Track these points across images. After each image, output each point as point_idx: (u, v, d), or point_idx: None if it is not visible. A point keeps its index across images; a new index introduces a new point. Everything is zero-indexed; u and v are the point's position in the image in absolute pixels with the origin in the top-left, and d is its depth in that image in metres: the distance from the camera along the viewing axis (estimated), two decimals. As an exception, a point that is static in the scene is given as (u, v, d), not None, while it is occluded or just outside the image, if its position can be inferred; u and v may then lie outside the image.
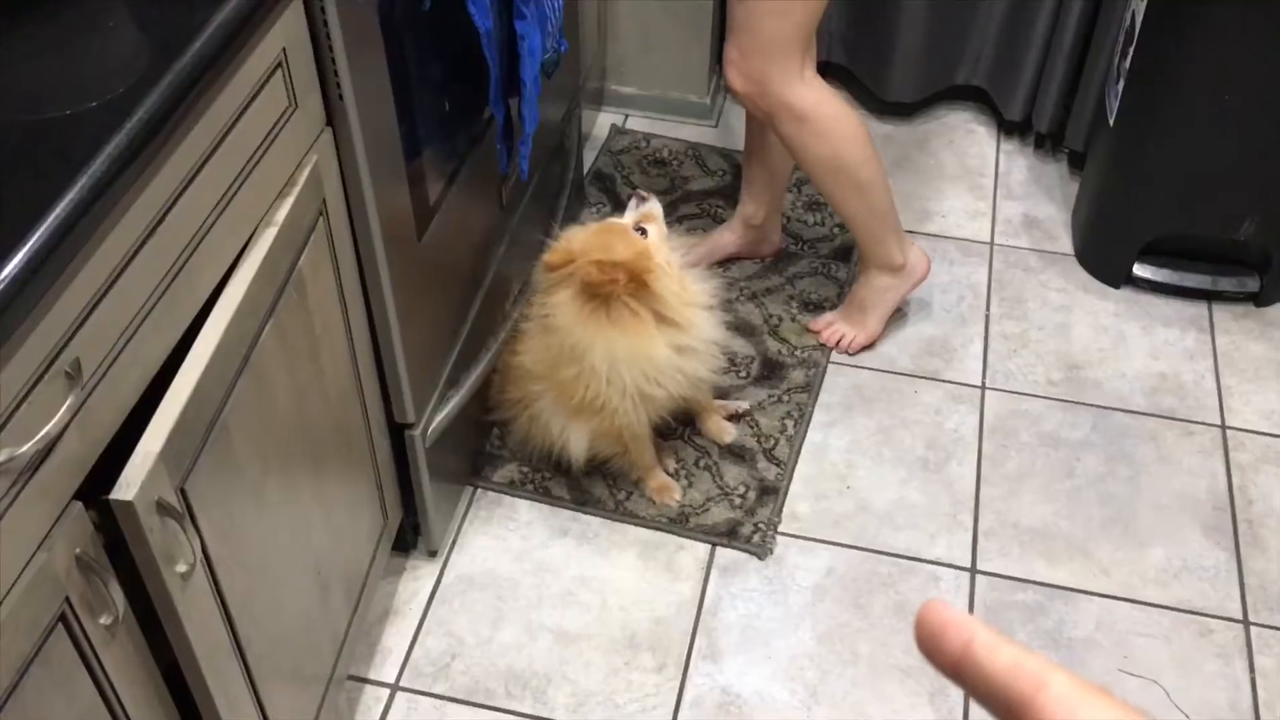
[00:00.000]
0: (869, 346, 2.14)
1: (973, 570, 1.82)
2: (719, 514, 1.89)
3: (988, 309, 2.24)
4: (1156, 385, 2.11)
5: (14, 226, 0.83)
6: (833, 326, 2.14)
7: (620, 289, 1.64)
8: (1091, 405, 2.07)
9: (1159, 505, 1.92)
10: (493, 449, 1.97)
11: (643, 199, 1.78)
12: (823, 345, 2.15)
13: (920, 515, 1.90)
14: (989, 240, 2.38)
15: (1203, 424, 2.05)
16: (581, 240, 1.70)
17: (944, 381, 2.11)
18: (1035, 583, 1.81)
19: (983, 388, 2.10)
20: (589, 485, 1.93)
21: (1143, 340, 2.19)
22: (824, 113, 1.85)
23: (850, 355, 2.13)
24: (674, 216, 2.39)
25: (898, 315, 2.20)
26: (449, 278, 1.71)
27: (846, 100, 1.97)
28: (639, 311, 1.66)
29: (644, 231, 1.73)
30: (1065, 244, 2.37)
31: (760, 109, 1.86)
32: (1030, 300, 2.26)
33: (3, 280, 0.80)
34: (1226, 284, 2.24)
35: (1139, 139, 2.13)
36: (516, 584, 1.80)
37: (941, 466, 1.97)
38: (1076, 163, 2.49)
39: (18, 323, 0.82)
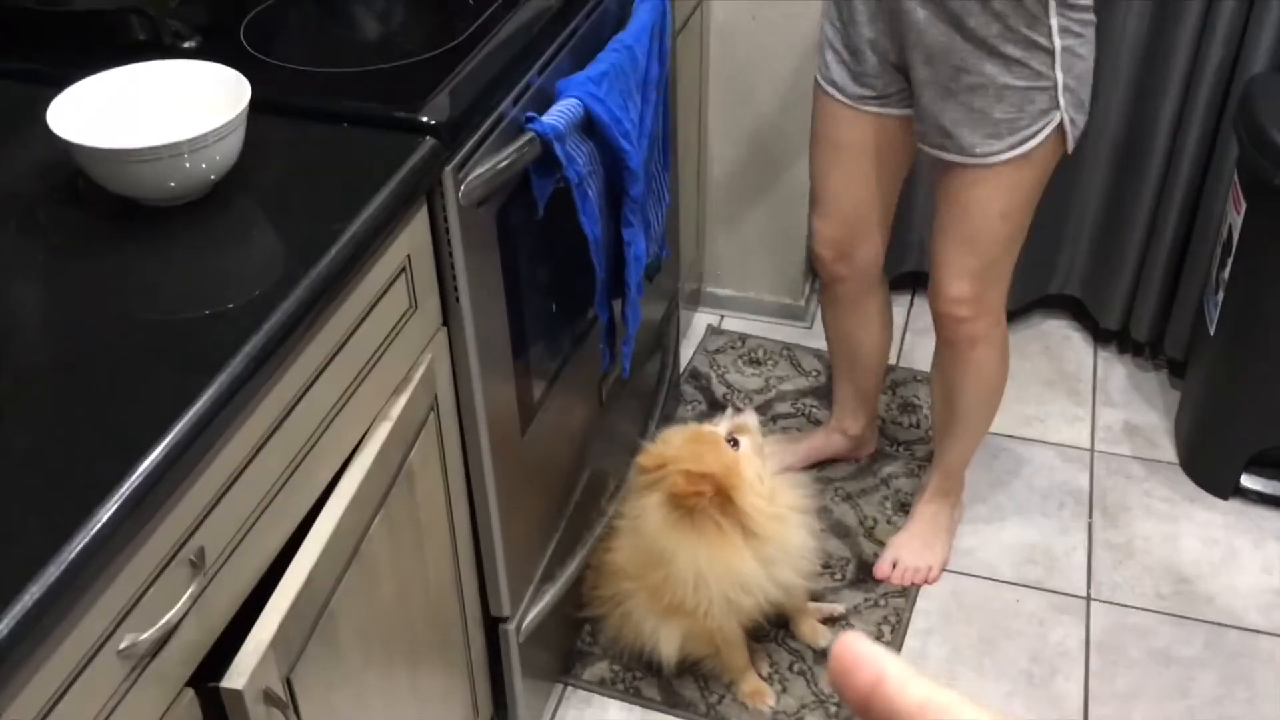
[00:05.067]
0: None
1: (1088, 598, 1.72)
2: (813, 719, 1.83)
3: (1090, 517, 2.19)
4: (1272, 602, 2.02)
5: (153, 421, 0.88)
6: (901, 565, 2.06)
7: (706, 502, 1.64)
8: (1204, 621, 1.99)
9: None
10: (584, 646, 1.95)
11: (738, 409, 1.79)
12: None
13: (1025, 732, 1.82)
14: (1089, 447, 2.34)
15: (1325, 645, 1.95)
16: (674, 446, 1.71)
17: (1047, 591, 2.05)
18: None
19: (1088, 599, 2.03)
20: (680, 687, 1.89)
21: (1255, 554, 2.11)
22: (1007, 345, 1.88)
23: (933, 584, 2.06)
24: (768, 416, 2.41)
25: (999, 520, 2.16)
26: (549, 473, 1.74)
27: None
28: (724, 525, 1.66)
29: (736, 443, 1.71)
30: (1169, 452, 2.33)
31: (963, 333, 1.83)
32: (1134, 509, 2.21)
33: (141, 474, 0.84)
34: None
35: (1241, 349, 2.11)
36: (604, 789, 1.75)
37: (1047, 682, 1.90)
38: (1177, 371, 2.47)
39: (151, 513, 0.86)
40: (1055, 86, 1.55)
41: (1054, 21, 1.51)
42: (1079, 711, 1.85)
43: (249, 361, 0.95)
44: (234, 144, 1.13)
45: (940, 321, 1.86)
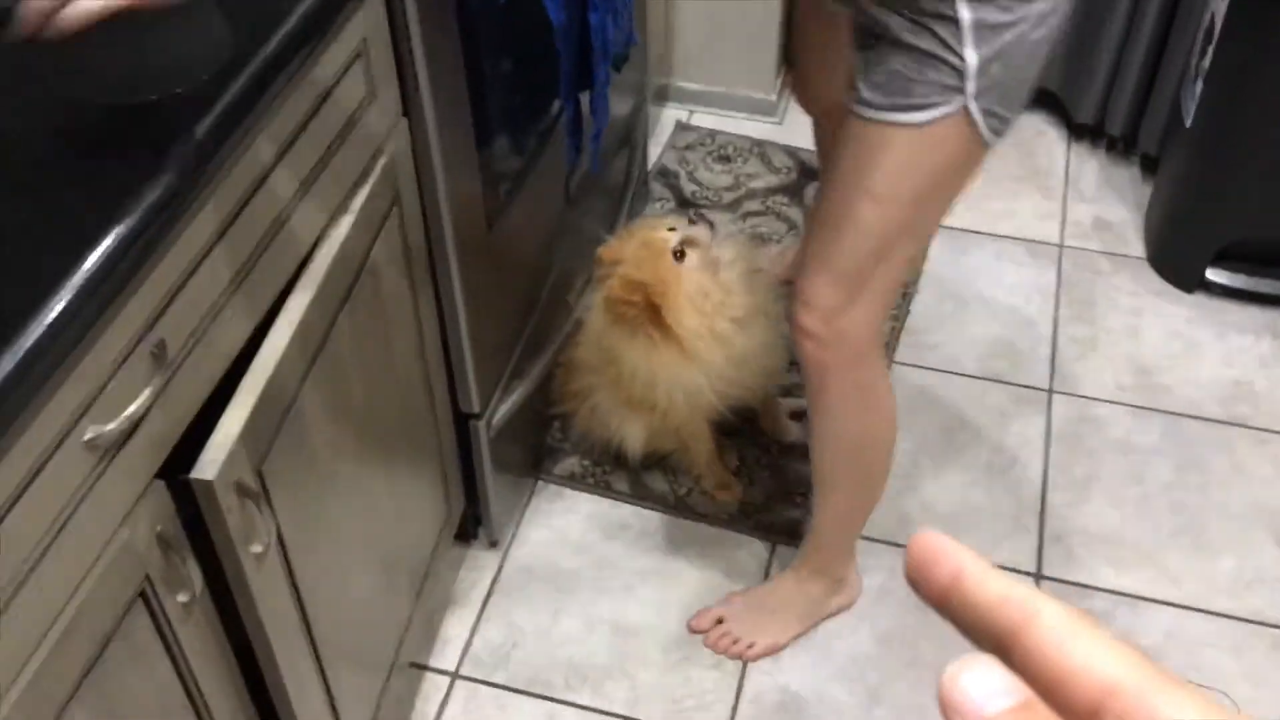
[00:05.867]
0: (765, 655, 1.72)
1: (1038, 575, 1.80)
2: (780, 513, 1.88)
3: (1056, 311, 2.21)
4: (1230, 392, 2.07)
5: (104, 209, 0.85)
6: (721, 628, 1.73)
7: (635, 311, 1.63)
8: (1162, 411, 2.03)
9: (1231, 514, 1.88)
10: (554, 442, 1.98)
11: (692, 222, 1.72)
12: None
13: (985, 519, 1.88)
14: (1058, 242, 2.34)
15: (1277, 433, 2.00)
16: (628, 247, 1.69)
17: (1010, 384, 2.08)
18: (1102, 589, 1.78)
19: (1050, 391, 2.07)
20: (649, 480, 1.93)
21: (1216, 346, 2.15)
22: (882, 388, 1.52)
23: (746, 662, 1.71)
24: (738, 214, 2.38)
25: (964, 315, 2.18)
26: (516, 269, 1.72)
27: None
28: (656, 336, 1.65)
29: (683, 254, 1.66)
30: (1137, 248, 2.33)
31: (810, 355, 1.45)
32: (1100, 304, 2.23)
33: (95, 262, 0.82)
34: (1303, 290, 2.20)
35: (1216, 141, 2.09)
36: (576, 577, 1.81)
37: (1007, 470, 1.95)
38: (1150, 166, 2.45)
39: (107, 303, 0.84)
40: (963, 67, 1.22)
41: None
42: (1037, 499, 1.91)
43: (199, 147, 0.91)
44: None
45: (791, 330, 1.47)
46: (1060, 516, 1.88)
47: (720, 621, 1.73)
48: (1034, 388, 2.08)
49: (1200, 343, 2.15)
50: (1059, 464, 1.96)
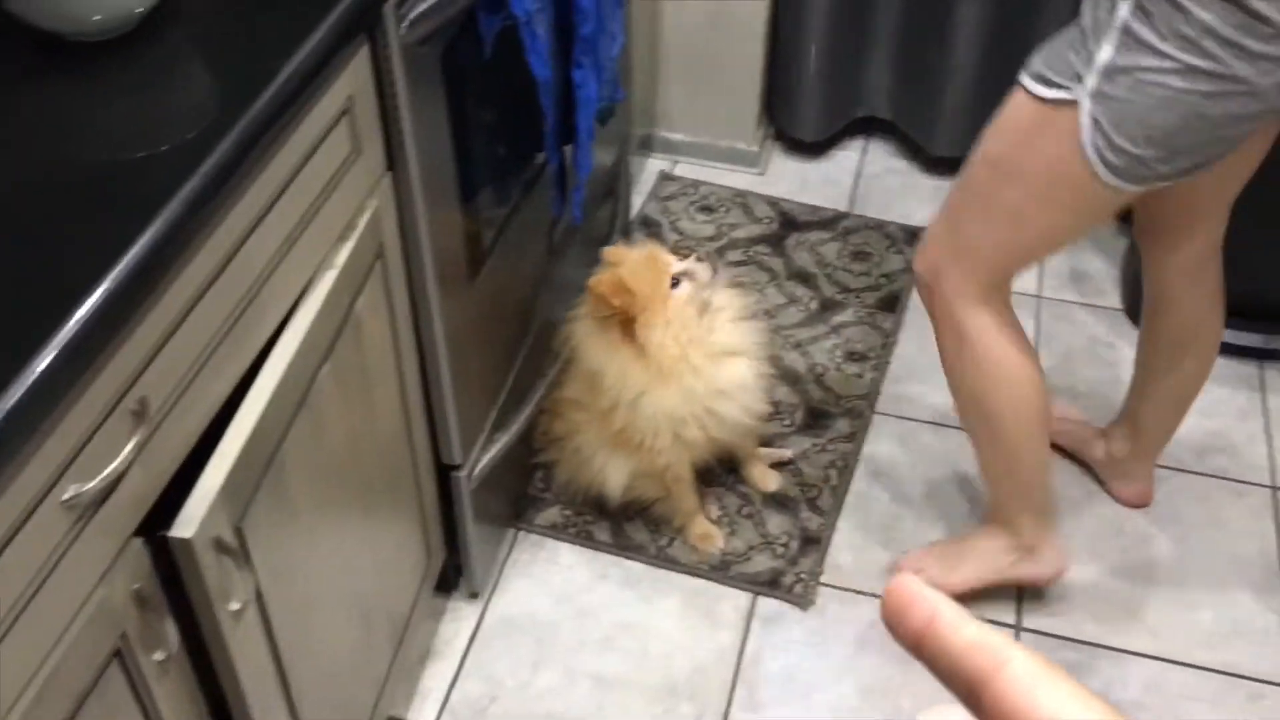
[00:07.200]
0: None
1: (1018, 627, 1.80)
2: (761, 563, 1.88)
3: (1035, 363, 2.22)
4: (1207, 444, 2.08)
5: (89, 268, 0.85)
6: (921, 563, 1.82)
7: (611, 313, 1.66)
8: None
9: (1209, 566, 1.89)
10: (536, 492, 1.98)
11: (700, 259, 1.75)
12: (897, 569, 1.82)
13: (965, 570, 1.88)
14: (1036, 293, 2.37)
15: (1254, 484, 2.02)
16: (634, 255, 1.72)
17: (990, 435, 2.09)
18: (1081, 642, 1.79)
19: (1029, 442, 2.08)
20: (631, 531, 1.93)
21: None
22: (988, 344, 1.54)
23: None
24: (720, 263, 2.40)
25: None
26: (499, 320, 1.73)
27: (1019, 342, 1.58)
28: (632, 347, 1.68)
29: (677, 283, 1.70)
30: (1114, 299, 2.35)
31: (925, 298, 1.59)
32: (1079, 355, 2.24)
33: (77, 322, 0.82)
34: (1279, 343, 2.22)
35: (1191, 196, 2.11)
36: (557, 628, 1.80)
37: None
38: (1125, 217, 2.47)
39: (89, 363, 0.84)
40: (1093, 58, 1.24)
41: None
42: (1017, 550, 1.91)
43: (186, 205, 0.91)
44: (159, -26, 1.07)
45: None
46: (1040, 568, 1.89)
47: (917, 561, 1.82)
48: (1013, 439, 2.08)
49: (1177, 394, 2.17)
50: (1039, 515, 1.96)
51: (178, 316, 0.95)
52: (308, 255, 1.17)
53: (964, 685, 0.31)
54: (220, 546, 1.00)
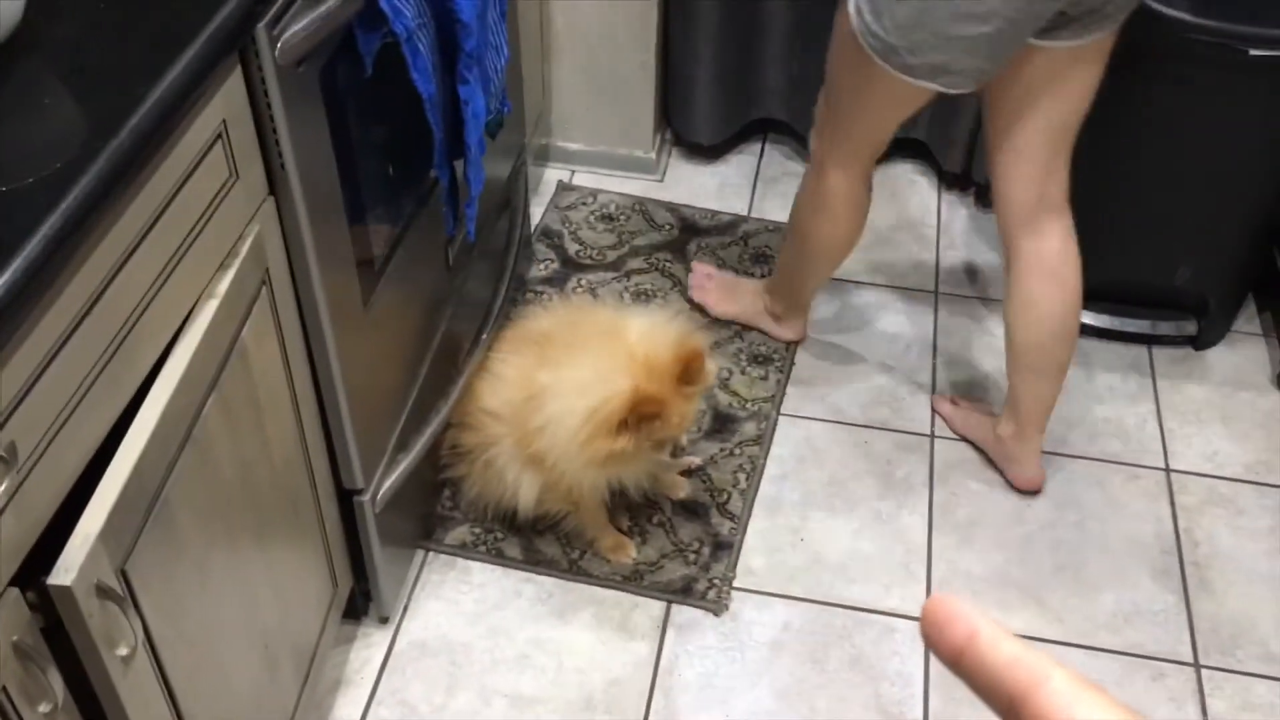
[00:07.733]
0: (701, 311, 2.29)
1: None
2: (673, 571, 1.88)
3: (934, 357, 2.26)
4: (1100, 429, 2.14)
5: (-55, 311, 0.82)
6: (711, 279, 2.31)
7: (635, 419, 1.62)
8: (1042, 450, 2.09)
9: (1108, 550, 1.94)
10: (444, 510, 1.95)
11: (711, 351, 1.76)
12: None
13: (874, 566, 1.91)
14: (934, 290, 2.41)
15: (1147, 468, 2.08)
16: (668, 341, 1.68)
17: (894, 431, 2.12)
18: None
19: (932, 436, 2.12)
20: (542, 545, 1.91)
21: (1086, 385, 2.22)
22: (830, 195, 1.90)
23: (692, 300, 2.31)
24: (623, 272, 2.40)
25: (847, 364, 2.21)
26: (396, 341, 1.70)
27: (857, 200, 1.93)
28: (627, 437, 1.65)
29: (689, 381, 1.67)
30: (1008, 291, 2.40)
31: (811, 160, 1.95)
32: (976, 348, 2.29)
33: (-67, 367, 0.78)
34: (1165, 328, 2.29)
35: (1078, 187, 2.17)
36: (470, 648, 1.78)
37: (893, 517, 1.98)
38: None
39: (-51, 409, 0.80)
40: None
41: None
42: (924, 544, 1.94)
43: (47, 243, 0.88)
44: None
45: None
46: (947, 560, 1.92)
47: (710, 277, 2.33)
48: (916, 433, 2.12)
49: (1071, 382, 2.21)
50: (943, 508, 2.00)
51: (44, 358, 0.91)
52: (186, 286, 1.14)
53: (1004, 699, 0.32)
54: (103, 592, 0.96)
